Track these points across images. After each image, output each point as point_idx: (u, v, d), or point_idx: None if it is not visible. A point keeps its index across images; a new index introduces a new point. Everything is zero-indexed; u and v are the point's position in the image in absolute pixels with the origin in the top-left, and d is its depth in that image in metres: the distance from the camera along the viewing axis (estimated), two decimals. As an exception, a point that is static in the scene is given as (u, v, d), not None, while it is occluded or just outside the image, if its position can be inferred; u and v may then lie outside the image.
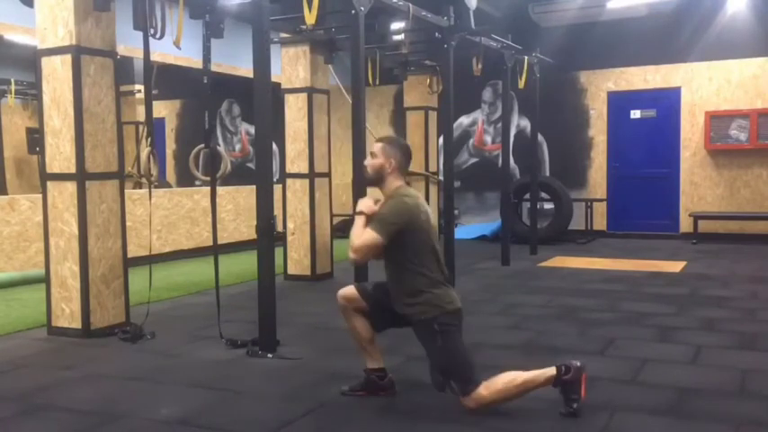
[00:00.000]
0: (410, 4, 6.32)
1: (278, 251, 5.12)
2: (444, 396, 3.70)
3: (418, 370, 4.06)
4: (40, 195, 5.37)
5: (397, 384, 3.75)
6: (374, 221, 3.45)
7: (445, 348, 3.45)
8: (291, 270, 7.58)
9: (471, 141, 12.38)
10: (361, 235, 3.45)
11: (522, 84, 9.27)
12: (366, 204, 3.55)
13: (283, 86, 7.48)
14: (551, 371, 3.41)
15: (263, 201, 4.62)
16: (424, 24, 7.09)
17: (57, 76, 5.00)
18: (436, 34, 7.25)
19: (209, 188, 5.53)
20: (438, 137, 10.65)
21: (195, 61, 6.58)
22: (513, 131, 11.40)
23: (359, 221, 3.51)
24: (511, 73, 8.90)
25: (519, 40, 8.92)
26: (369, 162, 3.65)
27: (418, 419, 3.37)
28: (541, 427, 3.34)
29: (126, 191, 5.60)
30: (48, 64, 5.04)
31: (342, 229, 10.38)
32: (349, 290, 3.68)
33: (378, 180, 3.62)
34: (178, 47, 5.09)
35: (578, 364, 3.42)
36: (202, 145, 5.41)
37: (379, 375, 3.70)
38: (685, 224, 10.76)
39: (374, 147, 3.65)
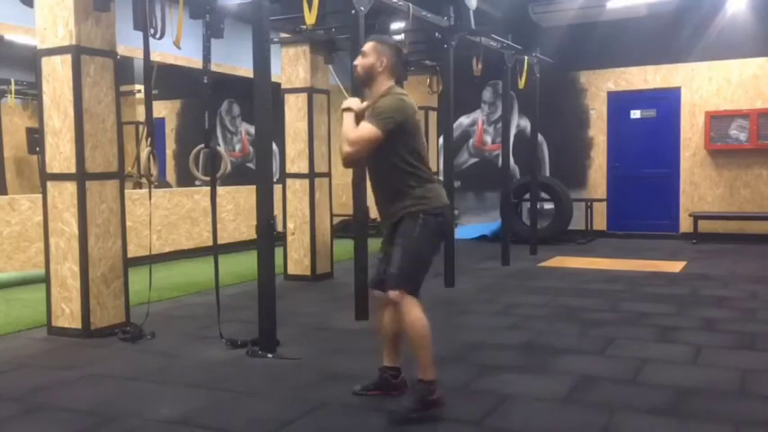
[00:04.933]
0: (410, 4, 6.32)
1: (278, 251, 5.12)
2: (444, 396, 3.70)
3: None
4: (40, 195, 5.37)
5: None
6: (372, 116, 3.35)
7: (418, 241, 3.39)
8: (291, 270, 7.58)
9: (471, 141, 12.38)
10: (357, 128, 3.35)
11: (522, 84, 9.27)
12: (354, 101, 3.49)
13: (283, 86, 7.48)
14: (433, 374, 3.37)
15: (263, 201, 4.61)
16: (424, 24, 7.09)
17: (57, 76, 5.00)
18: (436, 34, 7.25)
19: (209, 188, 5.53)
20: (438, 137, 10.67)
21: (195, 61, 6.58)
22: (513, 131, 11.41)
23: (348, 118, 3.41)
24: (511, 73, 8.90)
25: (519, 40, 8.92)
26: (359, 61, 3.51)
27: (418, 419, 3.36)
28: (542, 427, 3.34)
29: (126, 191, 5.59)
30: (48, 64, 5.03)
31: (342, 229, 10.38)
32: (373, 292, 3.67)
33: (368, 80, 3.50)
34: (178, 47, 5.09)
35: (442, 401, 3.38)
36: (202, 145, 5.40)
37: (393, 374, 3.67)
38: (685, 224, 10.76)
39: (365, 46, 3.54)
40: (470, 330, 5.23)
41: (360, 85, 3.56)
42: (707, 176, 10.75)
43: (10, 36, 8.22)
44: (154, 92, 8.90)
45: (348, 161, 3.43)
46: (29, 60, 8.16)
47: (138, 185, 9.79)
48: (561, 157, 11.56)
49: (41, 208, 5.23)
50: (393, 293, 3.41)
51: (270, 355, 4.51)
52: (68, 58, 4.93)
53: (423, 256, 3.45)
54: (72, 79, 4.93)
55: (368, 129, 3.32)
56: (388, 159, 3.44)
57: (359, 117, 3.44)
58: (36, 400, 3.76)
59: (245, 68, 8.41)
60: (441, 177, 10.04)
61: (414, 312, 3.36)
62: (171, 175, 13.79)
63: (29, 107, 12.15)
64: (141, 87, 11.51)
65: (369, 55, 3.50)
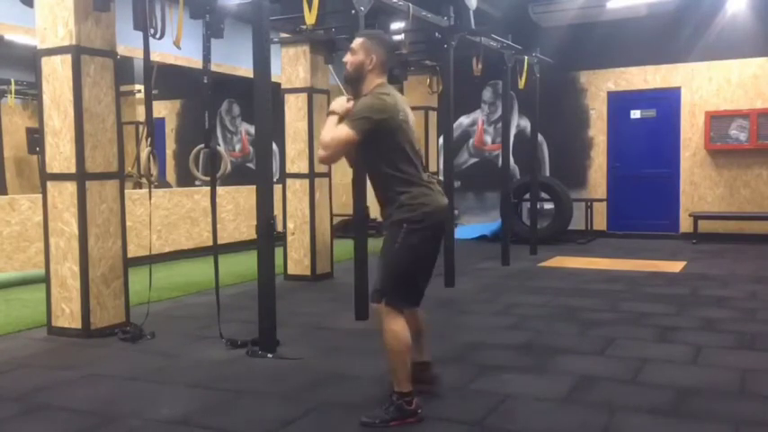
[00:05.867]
0: (410, 4, 6.32)
1: (278, 251, 5.11)
2: (444, 396, 3.70)
3: (418, 370, 4.06)
4: (40, 195, 5.37)
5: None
6: (348, 118, 3.27)
7: (399, 252, 3.30)
8: (291, 270, 7.57)
9: (471, 141, 12.38)
10: (332, 130, 3.26)
11: (522, 84, 9.27)
12: (339, 103, 3.37)
13: (283, 86, 7.48)
14: (409, 386, 3.31)
15: (263, 201, 4.61)
16: (424, 24, 7.09)
17: (57, 76, 5.00)
18: (436, 34, 7.25)
19: (209, 188, 5.53)
20: (438, 137, 10.66)
21: (195, 61, 6.58)
22: (513, 131, 11.41)
23: (331, 119, 3.32)
24: (511, 73, 8.90)
25: (519, 40, 8.92)
26: (348, 59, 3.41)
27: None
28: (542, 427, 3.34)
29: (126, 191, 5.59)
30: (48, 64, 5.03)
31: (342, 229, 10.39)
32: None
33: (357, 78, 3.40)
34: (178, 47, 5.09)
35: (419, 412, 3.32)
36: (202, 145, 5.40)
37: (420, 368, 3.52)
38: (685, 224, 10.76)
39: (354, 42, 3.43)
40: (470, 330, 5.23)
41: (350, 83, 3.46)
42: (707, 176, 10.75)
43: (10, 36, 8.22)
44: (154, 92, 8.91)
45: (323, 163, 3.41)
46: (29, 60, 8.15)
47: (138, 185, 9.80)
48: (561, 157, 11.56)
49: (41, 208, 5.22)
50: (374, 305, 3.39)
51: (270, 355, 4.51)
52: (68, 58, 4.93)
53: (404, 267, 3.33)
54: (72, 79, 4.92)
55: (341, 131, 3.24)
56: (373, 162, 3.38)
57: (342, 119, 3.32)
58: (36, 400, 3.76)
59: (245, 68, 8.41)
60: (441, 177, 10.06)
61: (392, 326, 3.28)
62: (171, 175, 13.79)
63: (29, 107, 12.15)
64: (141, 87, 11.51)
65: (357, 52, 3.40)
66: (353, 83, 3.46)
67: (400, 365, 3.31)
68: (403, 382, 3.32)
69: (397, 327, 3.29)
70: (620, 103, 11.27)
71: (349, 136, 3.23)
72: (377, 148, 3.32)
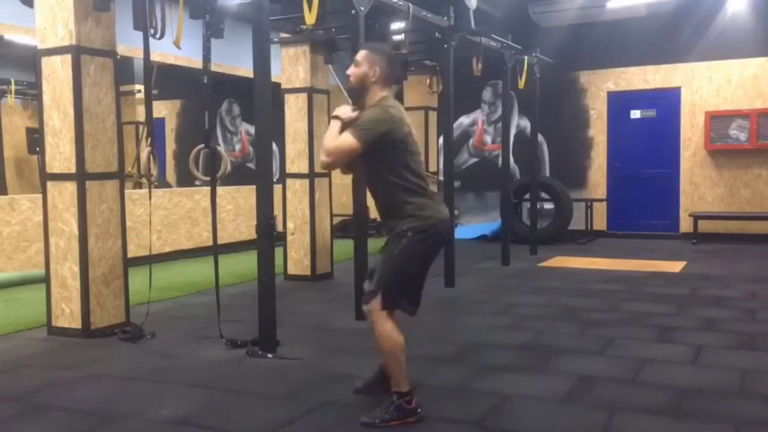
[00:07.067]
0: (410, 4, 6.32)
1: (278, 251, 5.11)
2: (444, 396, 3.71)
3: (418, 370, 4.06)
4: (40, 195, 5.37)
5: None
6: (353, 126, 3.30)
7: (400, 256, 3.34)
8: (291, 270, 7.58)
9: (471, 141, 12.38)
10: (337, 138, 3.30)
11: (522, 84, 9.27)
12: (344, 110, 3.41)
13: (283, 86, 7.48)
14: (407, 386, 3.33)
15: (263, 201, 4.62)
16: (424, 24, 7.09)
17: (57, 76, 5.00)
18: (436, 34, 7.25)
19: (209, 188, 5.53)
20: (438, 137, 10.67)
21: (195, 61, 6.59)
22: (513, 131, 11.41)
23: (334, 126, 3.36)
24: (511, 73, 8.90)
25: (519, 40, 8.92)
26: (352, 71, 3.45)
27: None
28: (542, 427, 3.34)
29: (126, 191, 5.59)
30: (48, 64, 5.03)
31: (342, 229, 10.39)
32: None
33: (361, 90, 3.44)
34: (178, 47, 5.09)
35: (419, 411, 3.33)
36: (202, 145, 5.40)
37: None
38: (685, 224, 10.76)
39: (358, 55, 3.47)
40: (470, 330, 5.23)
41: (353, 95, 3.50)
42: (707, 176, 10.75)
43: (10, 36, 8.21)
44: (154, 92, 8.91)
45: (324, 169, 3.53)
46: (29, 60, 8.16)
47: (138, 185, 9.80)
48: (561, 157, 11.56)
49: (41, 208, 5.22)
50: (365, 306, 3.43)
51: (270, 355, 4.51)
52: (68, 58, 4.93)
53: (402, 273, 3.38)
54: (72, 79, 4.92)
55: (346, 140, 3.27)
56: (378, 172, 3.40)
57: (345, 126, 3.35)
58: (36, 400, 3.76)
59: (245, 68, 8.42)
60: (441, 177, 10.06)
61: (384, 327, 3.33)
62: (171, 175, 13.79)
63: (29, 107, 12.15)
64: (141, 87, 11.51)
65: (361, 64, 3.43)
66: (357, 94, 3.48)
67: (396, 365, 3.34)
68: (401, 381, 3.34)
69: (388, 328, 3.34)
70: (620, 103, 11.27)
71: (353, 145, 3.27)
72: (382, 158, 3.35)
